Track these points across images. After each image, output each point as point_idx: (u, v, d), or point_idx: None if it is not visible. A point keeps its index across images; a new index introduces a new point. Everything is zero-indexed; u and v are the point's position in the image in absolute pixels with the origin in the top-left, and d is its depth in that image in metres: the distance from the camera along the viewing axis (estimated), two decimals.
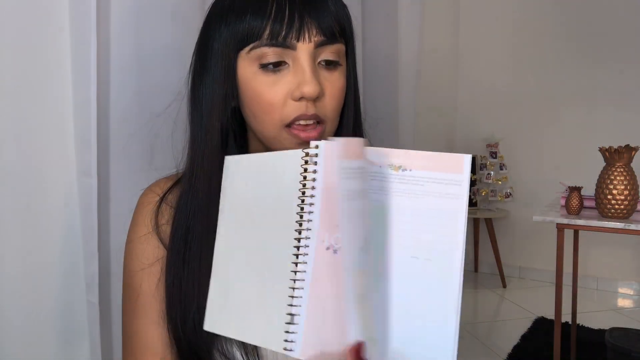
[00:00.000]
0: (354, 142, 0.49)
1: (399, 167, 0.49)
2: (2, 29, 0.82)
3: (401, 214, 0.49)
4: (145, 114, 1.00)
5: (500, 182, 3.49)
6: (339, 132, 0.67)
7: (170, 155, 0.76)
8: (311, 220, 0.46)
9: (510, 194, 3.48)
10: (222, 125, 0.64)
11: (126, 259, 0.69)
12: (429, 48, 2.97)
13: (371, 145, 0.75)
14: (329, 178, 0.47)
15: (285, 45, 0.58)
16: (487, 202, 3.57)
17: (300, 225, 0.47)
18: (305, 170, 0.48)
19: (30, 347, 0.89)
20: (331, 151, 0.47)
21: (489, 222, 3.49)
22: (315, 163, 0.47)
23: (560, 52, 3.44)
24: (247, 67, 0.61)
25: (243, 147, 0.69)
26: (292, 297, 0.46)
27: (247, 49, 0.60)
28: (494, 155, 3.53)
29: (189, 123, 0.67)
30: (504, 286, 3.49)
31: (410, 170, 0.49)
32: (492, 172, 3.50)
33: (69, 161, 0.93)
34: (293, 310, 0.45)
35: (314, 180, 0.47)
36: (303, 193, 0.47)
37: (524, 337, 2.68)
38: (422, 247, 0.48)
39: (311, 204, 0.47)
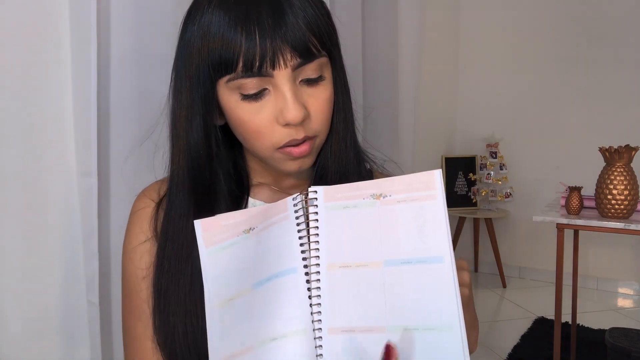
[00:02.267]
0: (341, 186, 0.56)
1: (380, 195, 0.54)
2: (2, 29, 0.82)
3: (392, 233, 0.52)
4: (145, 114, 1.00)
5: (500, 182, 3.49)
6: (329, 138, 0.66)
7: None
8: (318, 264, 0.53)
9: (510, 194, 3.48)
10: (202, 148, 0.63)
11: (126, 266, 0.68)
12: (429, 48, 2.97)
13: (370, 144, 0.75)
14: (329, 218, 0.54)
15: (261, 74, 0.57)
16: (487, 202, 3.57)
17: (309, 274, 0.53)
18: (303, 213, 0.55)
19: (31, 346, 0.89)
20: (328, 193, 0.55)
21: (489, 222, 3.49)
22: (316, 205, 0.54)
23: (560, 52, 3.44)
24: (229, 95, 0.59)
25: (237, 160, 0.69)
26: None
27: (224, 79, 0.58)
28: (494, 155, 3.53)
29: (169, 142, 0.66)
30: (504, 286, 3.49)
31: (390, 195, 0.53)
32: (492, 172, 3.50)
33: (69, 161, 0.93)
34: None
35: (316, 221, 0.54)
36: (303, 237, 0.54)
37: (524, 337, 2.68)
38: (415, 257, 0.51)
39: (317, 249, 0.53)
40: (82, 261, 0.95)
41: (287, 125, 0.58)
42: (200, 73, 0.59)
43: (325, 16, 0.61)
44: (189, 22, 0.61)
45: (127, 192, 0.94)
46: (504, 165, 3.54)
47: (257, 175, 0.70)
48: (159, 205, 0.68)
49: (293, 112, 0.57)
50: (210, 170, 0.65)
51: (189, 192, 0.63)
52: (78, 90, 0.91)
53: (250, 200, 0.69)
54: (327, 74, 0.62)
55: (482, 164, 3.57)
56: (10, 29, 0.83)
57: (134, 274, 0.66)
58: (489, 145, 3.56)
